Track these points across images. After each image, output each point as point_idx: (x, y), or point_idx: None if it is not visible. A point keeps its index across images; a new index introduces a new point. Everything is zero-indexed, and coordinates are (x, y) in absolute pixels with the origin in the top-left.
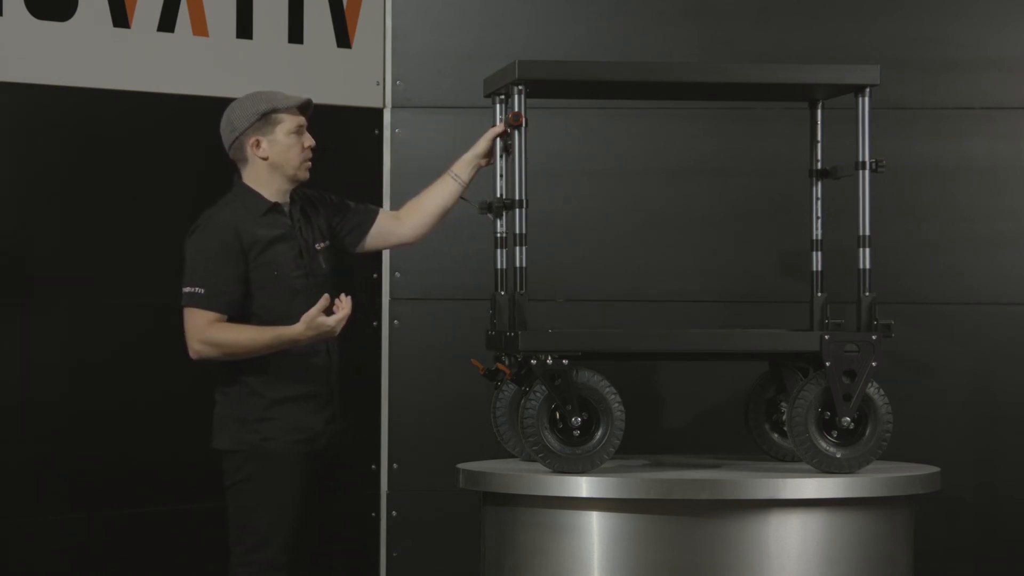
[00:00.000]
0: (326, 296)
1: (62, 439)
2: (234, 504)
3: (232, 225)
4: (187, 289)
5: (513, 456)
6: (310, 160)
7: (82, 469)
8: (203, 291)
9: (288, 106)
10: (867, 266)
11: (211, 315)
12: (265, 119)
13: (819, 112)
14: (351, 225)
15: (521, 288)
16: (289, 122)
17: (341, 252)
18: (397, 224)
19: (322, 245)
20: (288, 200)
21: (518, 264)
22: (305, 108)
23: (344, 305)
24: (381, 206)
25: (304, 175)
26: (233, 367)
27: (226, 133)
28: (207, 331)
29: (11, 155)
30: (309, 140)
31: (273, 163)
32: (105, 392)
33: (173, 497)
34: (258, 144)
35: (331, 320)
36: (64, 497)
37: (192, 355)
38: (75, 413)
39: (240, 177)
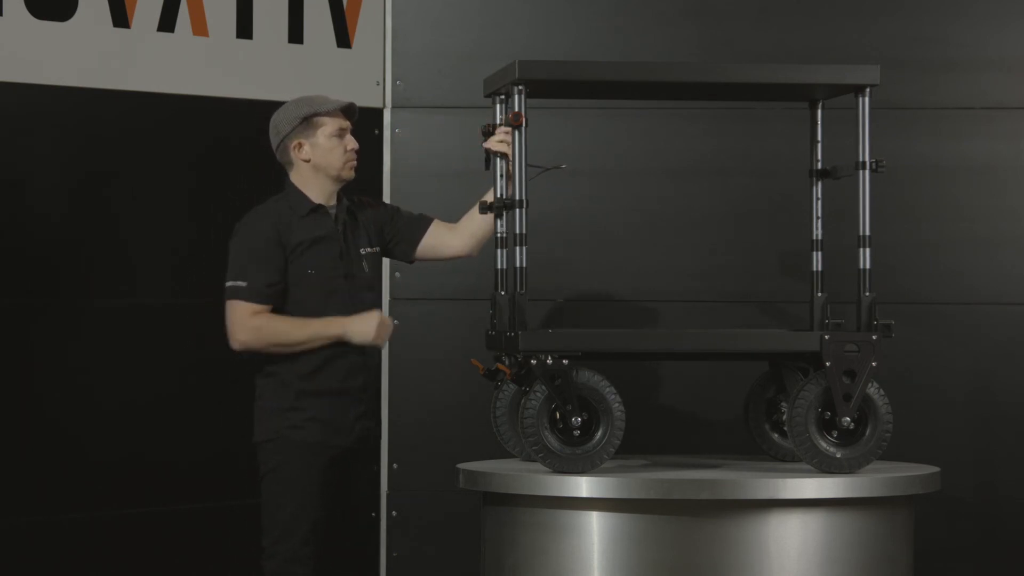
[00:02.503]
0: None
1: (62, 439)
2: (264, 496)
3: (273, 222)
4: (229, 283)
5: (513, 456)
6: (354, 161)
7: (83, 469)
8: (245, 284)
9: (329, 109)
10: (867, 266)
11: (253, 306)
12: (307, 123)
13: (819, 112)
14: (403, 235)
15: (521, 288)
16: (330, 125)
17: (397, 260)
18: (451, 235)
19: (368, 250)
20: (335, 202)
21: (518, 264)
22: (350, 112)
23: (391, 325)
24: None
25: (349, 175)
26: (268, 359)
27: (272, 137)
28: (250, 320)
29: (11, 155)
30: (352, 143)
31: (316, 165)
32: (105, 392)
33: (174, 497)
34: (300, 147)
35: (375, 326)
36: (64, 497)
37: (236, 346)
38: (75, 413)
39: (289, 179)
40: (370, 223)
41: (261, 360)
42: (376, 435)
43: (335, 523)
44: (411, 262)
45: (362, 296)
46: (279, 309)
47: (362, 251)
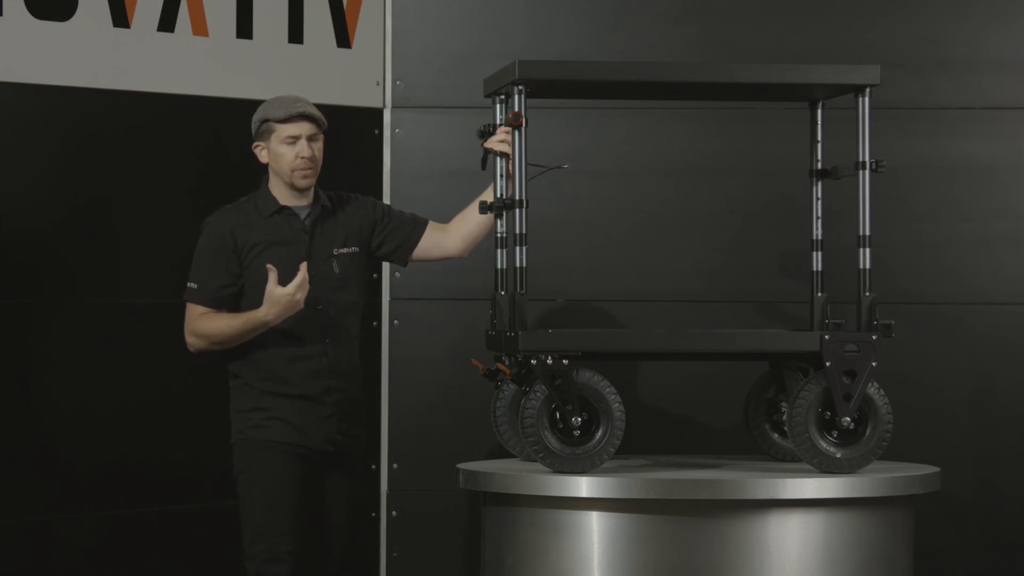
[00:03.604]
0: (272, 268)
1: (60, 439)
2: (238, 497)
3: (230, 226)
4: (189, 285)
5: (513, 456)
6: (307, 169)
7: (81, 469)
8: (196, 286)
9: (278, 117)
10: (867, 266)
11: (201, 308)
12: (265, 126)
13: (819, 112)
14: (397, 238)
15: (521, 288)
16: (280, 131)
17: (391, 263)
18: (444, 237)
19: (342, 250)
20: (307, 202)
21: (518, 264)
22: (310, 118)
23: (301, 272)
24: None
25: (301, 183)
26: (234, 362)
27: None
28: (195, 323)
29: (11, 155)
30: (305, 151)
31: (273, 169)
32: (103, 392)
33: (173, 497)
34: (261, 149)
35: (289, 288)
36: (63, 497)
37: (188, 347)
38: (74, 413)
39: (266, 177)
40: (351, 222)
41: (226, 363)
42: (354, 435)
43: (321, 525)
44: (404, 264)
45: (328, 297)
46: (235, 310)
47: (334, 252)
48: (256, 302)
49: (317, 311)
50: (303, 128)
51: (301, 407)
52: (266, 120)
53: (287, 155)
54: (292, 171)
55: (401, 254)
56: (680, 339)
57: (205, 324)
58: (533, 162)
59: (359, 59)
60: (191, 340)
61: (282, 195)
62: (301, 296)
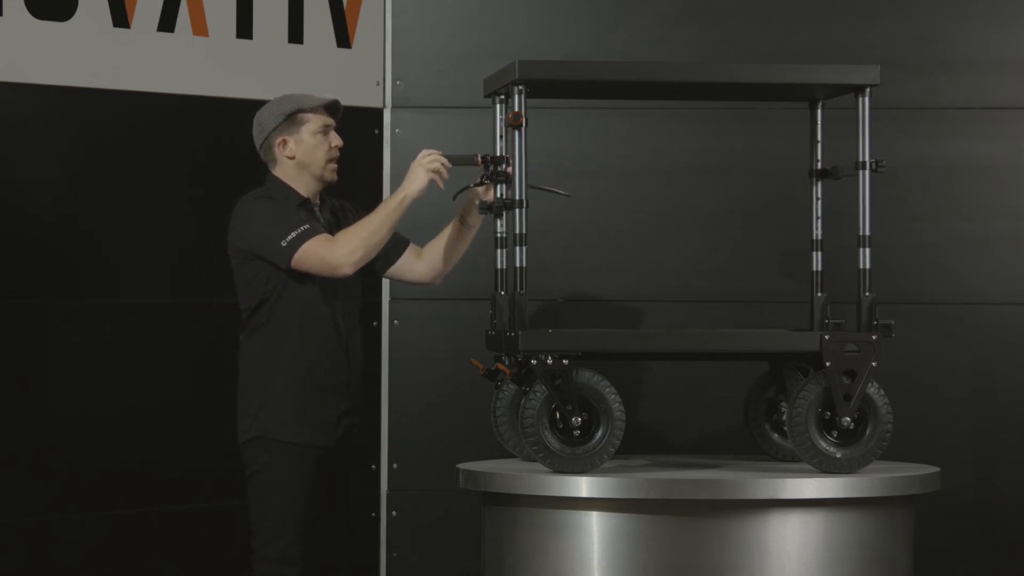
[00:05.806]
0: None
1: (61, 439)
2: (251, 497)
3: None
4: (290, 236)
5: (513, 456)
6: (336, 160)
7: (81, 469)
8: (307, 227)
9: (314, 106)
10: (867, 266)
11: (322, 235)
12: (292, 119)
13: (819, 112)
14: (381, 251)
15: (521, 288)
16: (315, 122)
17: (368, 271)
18: (416, 262)
19: None
20: (319, 202)
21: (518, 264)
22: (334, 110)
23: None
24: None
25: (331, 176)
26: (252, 360)
27: (256, 133)
28: (331, 243)
29: (11, 155)
30: (336, 140)
31: (300, 162)
32: (103, 392)
33: (173, 497)
34: (285, 143)
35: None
36: (63, 497)
37: (347, 270)
38: (75, 413)
39: (272, 174)
40: (343, 225)
41: (244, 360)
42: (361, 433)
43: (327, 523)
44: (377, 276)
45: (344, 294)
46: (281, 302)
47: None
48: (293, 299)
49: (336, 308)
50: (331, 119)
51: (321, 402)
52: (299, 111)
53: (322, 146)
54: (327, 162)
55: (382, 265)
56: (680, 339)
57: (343, 238)
58: (534, 184)
59: (359, 59)
60: (344, 259)
61: (300, 189)
62: (439, 171)
